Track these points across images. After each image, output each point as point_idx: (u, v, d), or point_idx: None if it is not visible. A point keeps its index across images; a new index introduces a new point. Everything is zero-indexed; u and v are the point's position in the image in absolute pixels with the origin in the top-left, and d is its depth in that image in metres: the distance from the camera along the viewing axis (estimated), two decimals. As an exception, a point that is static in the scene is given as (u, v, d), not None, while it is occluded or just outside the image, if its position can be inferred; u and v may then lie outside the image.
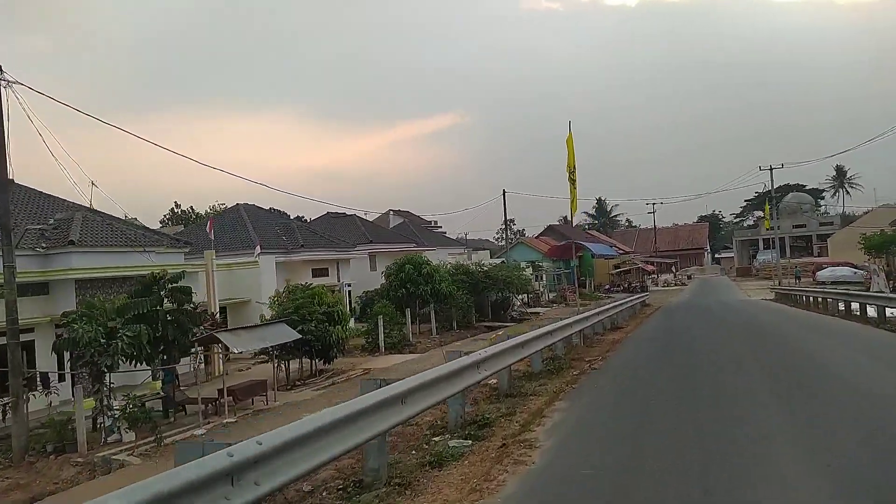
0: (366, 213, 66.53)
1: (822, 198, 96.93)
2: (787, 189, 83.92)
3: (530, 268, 49.14)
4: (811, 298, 28.99)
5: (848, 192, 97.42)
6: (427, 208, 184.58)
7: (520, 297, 43.47)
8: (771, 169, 50.22)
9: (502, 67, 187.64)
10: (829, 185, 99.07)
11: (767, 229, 55.96)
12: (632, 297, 32.12)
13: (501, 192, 51.93)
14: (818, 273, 52.86)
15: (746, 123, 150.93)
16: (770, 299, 37.84)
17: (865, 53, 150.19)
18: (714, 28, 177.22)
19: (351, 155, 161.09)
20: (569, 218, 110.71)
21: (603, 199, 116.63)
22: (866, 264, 32.68)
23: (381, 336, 25.04)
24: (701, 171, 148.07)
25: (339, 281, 32.60)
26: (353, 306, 33.85)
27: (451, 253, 49.78)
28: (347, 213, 45.80)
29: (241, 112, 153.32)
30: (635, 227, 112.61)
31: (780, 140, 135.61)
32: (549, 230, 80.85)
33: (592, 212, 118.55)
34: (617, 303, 25.10)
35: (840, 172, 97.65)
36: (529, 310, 41.08)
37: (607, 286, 63.25)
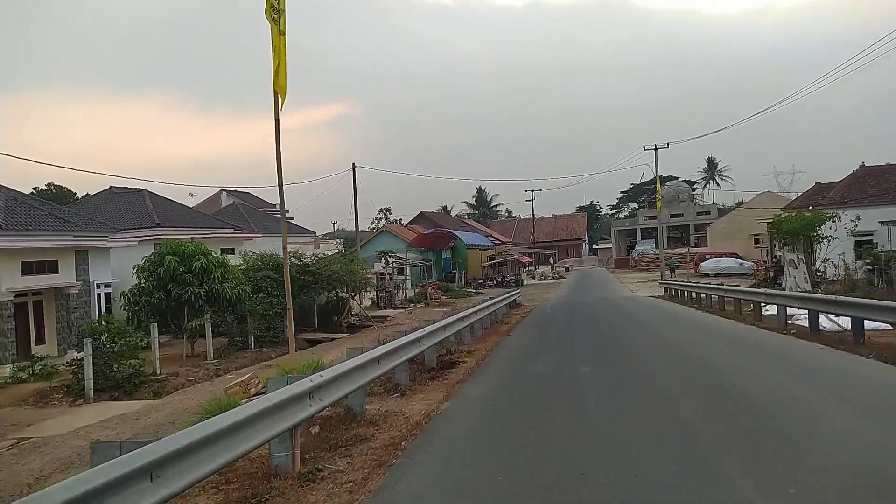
0: (192, 195, 55.12)
1: (695, 189, 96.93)
2: (662, 179, 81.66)
3: (382, 259, 40.52)
4: (714, 298, 22.57)
5: (718, 184, 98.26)
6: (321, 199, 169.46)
7: (367, 296, 34.84)
8: (656, 148, 45.18)
9: (390, 62, 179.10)
10: (701, 176, 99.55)
11: (658, 212, 51.71)
12: (497, 298, 24.39)
13: (352, 167, 42.94)
14: (702, 264, 48.80)
15: (636, 122, 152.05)
16: (660, 296, 31.83)
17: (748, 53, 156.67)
18: (603, 30, 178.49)
19: (240, 143, 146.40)
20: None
21: (483, 188, 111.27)
22: (779, 254, 27.50)
23: (89, 372, 15.25)
24: (586, 165, 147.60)
25: (78, 279, 22.12)
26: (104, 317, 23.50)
27: (291, 242, 39.95)
28: (143, 188, 34.67)
29: (117, 96, 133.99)
30: (515, 217, 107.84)
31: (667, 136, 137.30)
32: (421, 218, 72.71)
33: (472, 201, 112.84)
34: (469, 311, 17.02)
35: (711, 164, 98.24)
36: (376, 313, 32.42)
37: (480, 280, 56.31)
